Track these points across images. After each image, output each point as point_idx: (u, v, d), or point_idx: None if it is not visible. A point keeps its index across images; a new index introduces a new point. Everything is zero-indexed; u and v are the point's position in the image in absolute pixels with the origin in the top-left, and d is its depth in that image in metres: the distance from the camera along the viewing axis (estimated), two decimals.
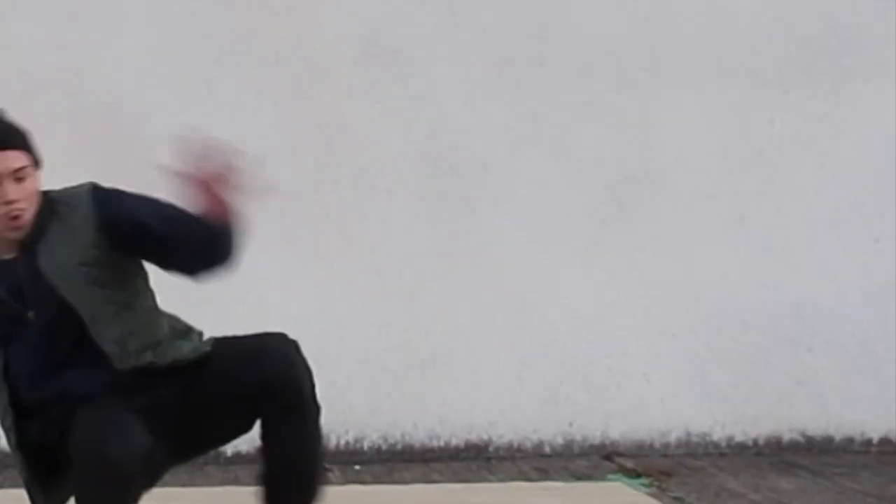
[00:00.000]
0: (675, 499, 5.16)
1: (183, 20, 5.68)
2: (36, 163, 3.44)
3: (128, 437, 3.20)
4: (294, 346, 3.53)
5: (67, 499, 3.46)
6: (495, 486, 5.33)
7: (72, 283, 3.38)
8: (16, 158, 3.37)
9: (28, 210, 3.37)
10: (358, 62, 5.79)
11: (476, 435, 5.83)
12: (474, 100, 5.88)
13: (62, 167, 5.23)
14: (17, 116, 5.37)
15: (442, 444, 5.80)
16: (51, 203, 3.44)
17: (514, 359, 5.85)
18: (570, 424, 5.91)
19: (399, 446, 5.76)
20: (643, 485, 5.39)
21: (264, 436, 3.51)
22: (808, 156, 6.10)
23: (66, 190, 3.49)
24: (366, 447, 5.71)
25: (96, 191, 3.48)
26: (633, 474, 5.55)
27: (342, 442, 5.63)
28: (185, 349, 3.49)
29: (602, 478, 5.52)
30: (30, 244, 3.40)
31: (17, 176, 3.35)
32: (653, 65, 6.00)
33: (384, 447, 5.71)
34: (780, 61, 6.07)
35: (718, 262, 6.01)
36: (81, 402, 3.34)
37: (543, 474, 5.55)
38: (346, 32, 5.79)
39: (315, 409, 3.51)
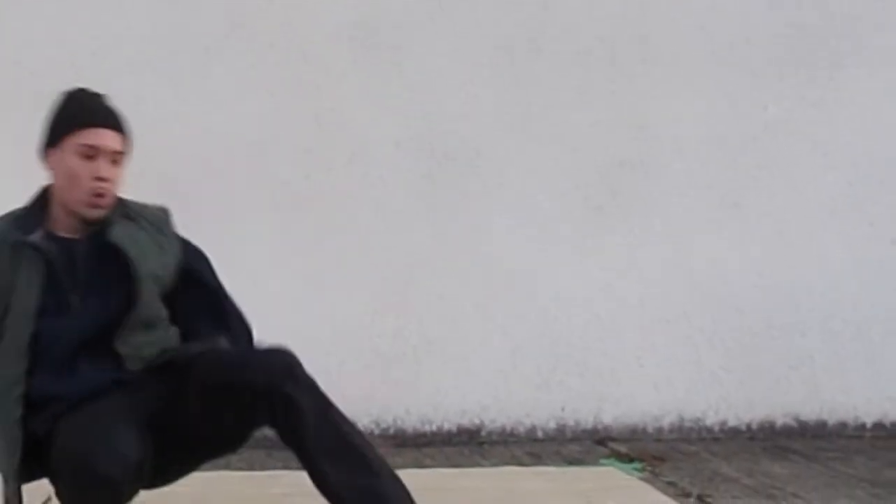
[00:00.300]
0: (668, 483, 5.15)
1: (178, 8, 5.67)
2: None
3: (117, 446, 3.15)
4: (291, 355, 3.47)
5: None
6: (488, 470, 5.32)
7: (142, 284, 3.45)
8: (118, 141, 3.43)
9: (111, 194, 3.43)
10: (352, 49, 5.79)
11: (469, 420, 5.84)
12: (468, 87, 5.88)
13: None
14: (11, 105, 5.43)
15: (434, 428, 5.81)
16: (124, 206, 3.51)
17: (507, 344, 5.87)
18: (563, 409, 5.92)
19: (392, 431, 5.77)
20: (636, 469, 5.38)
21: (286, 444, 3.45)
22: (803, 142, 6.11)
23: (141, 204, 3.57)
24: None
25: (185, 241, 3.60)
26: (625, 459, 5.56)
27: None
28: (191, 349, 3.54)
29: (595, 462, 5.51)
30: (96, 229, 3.44)
31: (114, 158, 3.41)
32: (647, 52, 6.00)
33: (377, 432, 5.70)
34: (775, 48, 6.08)
35: (712, 248, 6.02)
36: (85, 400, 3.33)
37: (536, 459, 5.55)
38: (341, 20, 5.79)
39: (319, 404, 3.43)
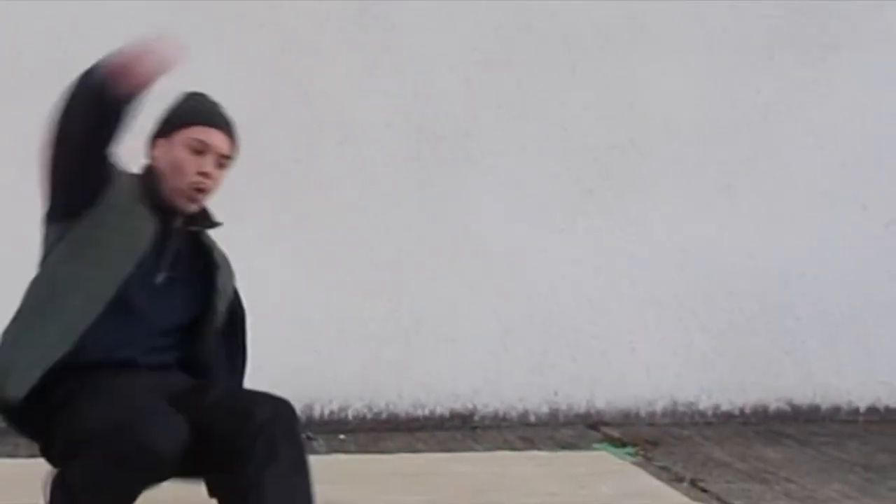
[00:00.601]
0: (661, 468, 5.14)
1: None
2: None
3: (168, 423, 3.12)
4: (293, 410, 3.40)
5: None
6: (480, 455, 5.30)
7: (218, 296, 3.53)
8: (227, 145, 3.50)
9: (209, 192, 3.48)
10: (343, 31, 5.76)
11: (461, 404, 5.82)
12: (459, 68, 5.85)
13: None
14: (10, 104, 5.37)
15: (427, 413, 5.79)
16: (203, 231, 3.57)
17: (499, 327, 5.85)
18: (556, 393, 5.90)
19: (384, 415, 5.75)
20: (629, 454, 5.37)
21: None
22: (795, 123, 6.10)
23: (212, 239, 3.63)
24: (350, 416, 5.69)
25: (235, 286, 3.64)
26: (618, 443, 5.55)
27: (326, 411, 5.61)
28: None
29: (587, 447, 5.51)
30: (190, 223, 3.49)
31: (220, 161, 3.48)
32: (639, 33, 5.98)
33: (369, 416, 5.70)
34: (767, 29, 6.06)
35: (705, 231, 6.00)
36: (111, 368, 3.31)
37: (529, 443, 5.54)
38: (332, 2, 5.75)
39: (298, 464, 3.33)
